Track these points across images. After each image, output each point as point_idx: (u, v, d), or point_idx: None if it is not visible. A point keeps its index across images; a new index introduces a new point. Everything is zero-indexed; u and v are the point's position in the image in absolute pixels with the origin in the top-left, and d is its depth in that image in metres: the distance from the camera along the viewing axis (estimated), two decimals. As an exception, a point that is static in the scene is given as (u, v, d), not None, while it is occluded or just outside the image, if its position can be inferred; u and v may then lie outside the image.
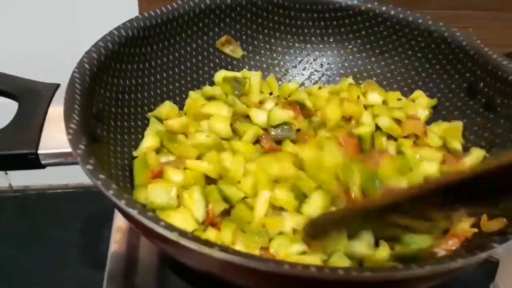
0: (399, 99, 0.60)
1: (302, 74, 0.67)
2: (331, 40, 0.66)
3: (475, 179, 0.29)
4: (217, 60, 0.64)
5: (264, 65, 0.66)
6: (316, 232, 0.41)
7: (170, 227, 0.30)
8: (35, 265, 0.84)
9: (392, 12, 0.62)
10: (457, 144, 0.54)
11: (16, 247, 0.86)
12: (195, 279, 0.49)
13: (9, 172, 0.92)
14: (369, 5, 0.62)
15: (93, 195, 0.92)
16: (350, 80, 0.64)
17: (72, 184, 0.95)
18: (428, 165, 0.51)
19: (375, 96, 0.60)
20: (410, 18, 0.61)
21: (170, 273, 0.51)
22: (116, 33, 0.52)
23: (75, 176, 0.92)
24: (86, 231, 0.89)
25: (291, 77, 0.66)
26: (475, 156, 0.52)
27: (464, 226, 0.44)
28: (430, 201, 0.32)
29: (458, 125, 0.56)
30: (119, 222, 0.57)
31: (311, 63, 0.67)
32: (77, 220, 0.90)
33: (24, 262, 0.84)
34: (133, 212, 0.32)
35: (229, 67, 0.65)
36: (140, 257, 0.53)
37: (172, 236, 0.30)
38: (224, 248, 0.29)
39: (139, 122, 0.54)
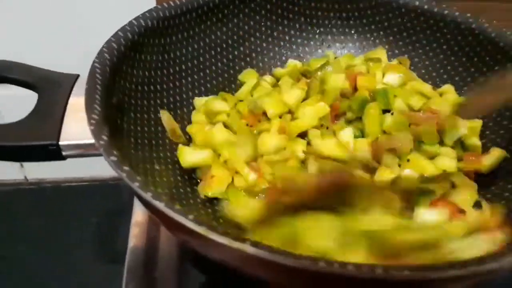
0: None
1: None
2: (352, 31, 0.65)
3: None
4: (236, 52, 0.63)
5: (283, 58, 0.65)
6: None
7: (198, 221, 0.29)
8: (50, 259, 0.84)
9: (417, 3, 0.60)
10: (475, 141, 0.52)
11: (31, 240, 0.86)
12: (215, 272, 0.48)
13: (24, 164, 0.92)
14: (392, -5, 0.61)
15: (108, 188, 0.93)
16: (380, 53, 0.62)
17: (88, 177, 0.95)
18: (447, 160, 0.49)
19: (393, 77, 0.57)
20: (435, 10, 0.59)
21: (190, 266, 0.50)
22: (136, 23, 0.51)
23: (91, 169, 0.92)
24: (101, 225, 0.88)
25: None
26: (495, 156, 0.50)
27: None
28: None
29: (478, 123, 0.53)
30: (137, 215, 0.56)
31: (332, 55, 0.65)
32: (92, 214, 0.89)
33: (40, 255, 0.84)
34: (160, 205, 0.31)
35: (248, 59, 0.63)
36: (159, 251, 0.53)
37: (201, 230, 0.29)
38: (255, 243, 0.28)
39: (158, 114, 0.53)
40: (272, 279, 0.35)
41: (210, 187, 0.47)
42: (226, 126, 0.53)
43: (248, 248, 0.28)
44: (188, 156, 0.49)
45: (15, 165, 0.92)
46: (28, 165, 0.93)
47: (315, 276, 0.28)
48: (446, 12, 0.58)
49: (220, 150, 0.50)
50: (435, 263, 0.28)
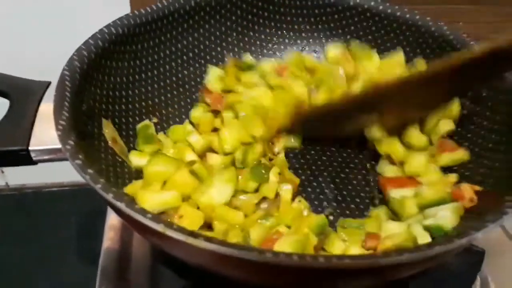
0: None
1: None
2: (321, 35, 0.67)
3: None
4: (207, 57, 0.64)
5: (255, 61, 0.67)
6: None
7: (156, 219, 0.31)
8: (31, 262, 0.85)
9: (380, 8, 0.62)
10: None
11: (13, 245, 0.87)
12: (188, 273, 0.49)
13: (5, 171, 0.93)
14: (357, 1, 0.63)
15: (88, 192, 0.93)
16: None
17: (68, 182, 0.96)
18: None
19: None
20: (398, 13, 0.61)
21: (163, 268, 0.51)
22: (106, 31, 0.52)
23: (71, 174, 0.93)
24: (81, 228, 0.89)
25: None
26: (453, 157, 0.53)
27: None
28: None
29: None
30: (112, 219, 0.58)
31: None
32: (72, 218, 0.91)
33: (21, 259, 0.85)
34: (121, 205, 0.32)
35: (220, 63, 0.65)
36: (133, 253, 0.54)
37: (159, 227, 0.31)
38: (209, 238, 0.30)
39: (130, 119, 0.54)
40: (237, 276, 0.37)
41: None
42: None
43: (201, 243, 0.30)
44: (153, 201, 0.42)
45: (-4, 172, 0.93)
46: (9, 171, 0.94)
47: (265, 267, 0.30)
48: (407, 16, 0.61)
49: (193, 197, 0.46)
50: (375, 253, 0.30)
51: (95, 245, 0.85)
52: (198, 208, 0.44)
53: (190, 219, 0.41)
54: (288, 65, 0.63)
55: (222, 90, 0.61)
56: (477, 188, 0.46)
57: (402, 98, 0.47)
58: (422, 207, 0.46)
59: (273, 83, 0.60)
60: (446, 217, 0.43)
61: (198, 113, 0.60)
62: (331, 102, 0.55)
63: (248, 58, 0.65)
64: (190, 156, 0.52)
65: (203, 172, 0.47)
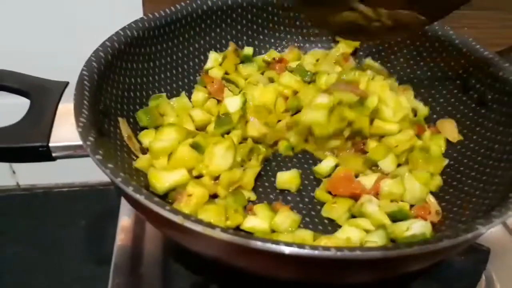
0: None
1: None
2: (330, 38, 0.68)
3: None
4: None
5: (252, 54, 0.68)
6: None
7: (175, 211, 0.33)
8: (42, 262, 0.86)
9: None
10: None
11: (23, 244, 0.88)
12: (199, 268, 0.51)
13: (16, 171, 0.94)
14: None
15: (98, 193, 0.95)
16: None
17: (78, 183, 0.97)
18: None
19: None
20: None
21: (175, 264, 0.53)
22: (122, 34, 0.54)
23: (81, 175, 0.94)
24: (91, 228, 0.91)
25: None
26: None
27: None
28: None
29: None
30: (124, 216, 0.59)
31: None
32: (82, 218, 0.92)
33: (31, 258, 0.87)
34: (140, 198, 0.34)
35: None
36: (145, 250, 0.55)
37: (177, 219, 0.32)
38: (225, 229, 0.31)
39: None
40: (250, 267, 0.38)
41: (188, 206, 0.45)
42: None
43: (219, 234, 0.31)
44: (164, 180, 0.46)
45: (7, 172, 0.94)
46: (20, 171, 0.95)
47: (281, 259, 0.32)
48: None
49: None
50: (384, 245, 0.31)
51: (104, 245, 0.86)
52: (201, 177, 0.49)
53: (198, 197, 0.45)
54: (284, 56, 0.66)
55: (222, 77, 0.63)
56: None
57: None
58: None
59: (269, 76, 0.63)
60: (422, 225, 0.45)
61: (198, 97, 0.61)
62: None
63: (247, 49, 0.66)
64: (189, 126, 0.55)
65: (203, 143, 0.50)
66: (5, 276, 0.84)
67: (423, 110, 0.60)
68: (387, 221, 0.45)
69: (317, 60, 0.66)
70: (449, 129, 0.56)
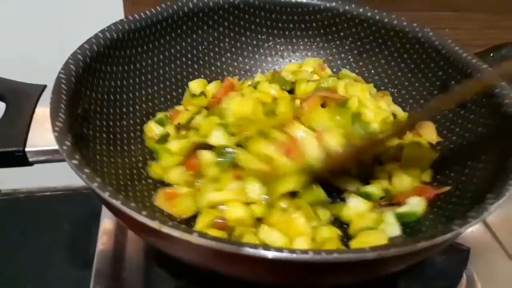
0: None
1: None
2: (311, 40, 0.68)
3: None
4: (201, 62, 0.66)
5: (247, 67, 0.68)
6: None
7: (152, 216, 0.32)
8: (25, 267, 0.85)
9: (369, 14, 0.64)
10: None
11: (6, 250, 0.87)
12: (181, 272, 0.50)
13: (-3, 175, 0.93)
14: (347, 7, 0.65)
15: (81, 197, 0.94)
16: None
17: (61, 187, 0.96)
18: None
19: None
20: (386, 20, 0.63)
21: (157, 268, 0.52)
22: (101, 36, 0.53)
23: (64, 178, 0.93)
24: (75, 233, 0.89)
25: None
26: None
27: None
28: None
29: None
30: (106, 220, 0.58)
31: (294, 63, 0.69)
32: (66, 222, 0.91)
33: (14, 264, 0.85)
34: (116, 203, 0.33)
35: (212, 68, 0.67)
36: (126, 254, 0.55)
37: (154, 224, 0.32)
38: (203, 234, 0.31)
39: (124, 122, 0.55)
40: (232, 273, 0.38)
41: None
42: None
43: (195, 239, 0.31)
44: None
45: (-12, 176, 0.92)
46: (1, 176, 0.93)
47: (260, 263, 0.31)
48: (395, 22, 0.63)
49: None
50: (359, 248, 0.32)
51: (88, 249, 0.85)
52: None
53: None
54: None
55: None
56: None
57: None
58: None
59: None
60: (417, 204, 0.47)
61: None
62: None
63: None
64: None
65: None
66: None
67: (402, 114, 0.61)
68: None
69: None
70: (429, 132, 0.57)
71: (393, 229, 0.46)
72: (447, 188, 0.50)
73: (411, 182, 0.50)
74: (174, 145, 0.53)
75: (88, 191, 0.95)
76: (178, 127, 0.57)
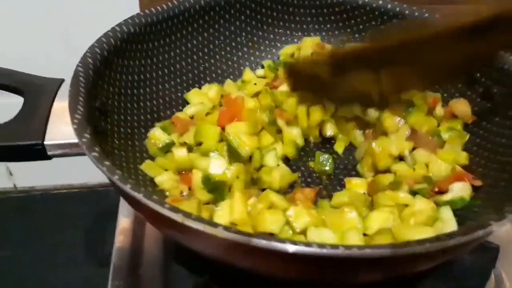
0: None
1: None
2: (329, 33, 0.67)
3: None
4: (217, 57, 0.65)
5: (263, 60, 0.67)
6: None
7: (175, 209, 0.31)
8: (40, 264, 0.85)
9: (389, 6, 0.62)
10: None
11: (21, 247, 0.87)
12: (200, 269, 0.49)
13: (13, 173, 0.93)
14: (366, 0, 0.63)
15: (96, 194, 0.94)
16: None
17: (76, 184, 0.96)
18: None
19: None
20: (407, 12, 0.62)
21: (175, 264, 0.51)
22: (118, 30, 0.53)
23: (79, 176, 0.93)
24: (90, 230, 0.89)
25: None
26: None
27: None
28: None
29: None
30: (123, 217, 0.58)
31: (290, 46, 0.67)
32: (81, 220, 0.91)
33: (29, 261, 0.85)
34: (138, 196, 0.32)
35: (229, 63, 0.66)
36: (145, 251, 0.54)
37: (177, 217, 0.31)
38: (228, 228, 0.30)
39: (142, 116, 0.55)
40: (254, 267, 0.36)
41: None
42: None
43: (220, 233, 0.29)
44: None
45: (4, 174, 0.93)
46: (17, 173, 0.94)
47: (285, 257, 0.30)
48: (416, 14, 0.61)
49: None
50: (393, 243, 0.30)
51: (103, 246, 0.85)
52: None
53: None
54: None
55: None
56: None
57: (409, 58, 0.43)
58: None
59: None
60: (463, 188, 0.46)
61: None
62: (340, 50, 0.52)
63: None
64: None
65: None
66: (2, 279, 0.83)
67: None
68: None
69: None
70: (463, 109, 0.55)
71: (451, 225, 0.44)
72: (479, 183, 0.48)
73: (447, 166, 0.49)
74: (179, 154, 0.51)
75: (104, 188, 0.95)
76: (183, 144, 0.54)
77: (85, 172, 0.87)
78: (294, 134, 0.55)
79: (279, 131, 0.55)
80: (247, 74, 0.64)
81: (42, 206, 0.94)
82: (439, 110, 0.57)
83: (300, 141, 0.56)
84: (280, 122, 0.55)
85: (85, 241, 0.88)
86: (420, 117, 0.55)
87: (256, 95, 0.59)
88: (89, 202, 0.93)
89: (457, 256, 0.46)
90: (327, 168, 0.54)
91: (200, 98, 0.59)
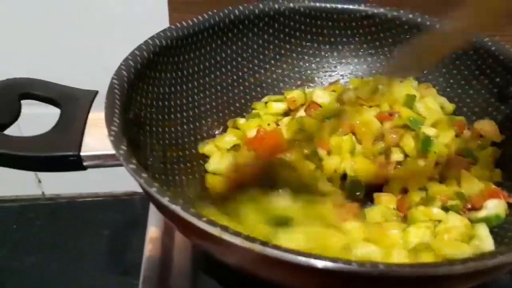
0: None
1: (329, 82, 0.68)
2: (358, 47, 0.67)
3: None
4: (245, 69, 0.65)
5: (291, 74, 0.68)
6: None
7: (212, 222, 0.31)
8: (61, 271, 0.86)
9: (419, 20, 0.62)
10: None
11: (47, 254, 0.88)
12: (229, 280, 0.49)
13: (42, 180, 0.95)
14: (395, 13, 0.63)
15: (122, 203, 0.95)
16: None
17: (102, 193, 0.97)
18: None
19: None
20: (438, 26, 0.61)
21: (204, 275, 0.52)
22: (151, 43, 0.54)
23: (105, 185, 0.94)
24: (115, 239, 0.90)
25: (318, 85, 0.68)
26: None
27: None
28: None
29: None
30: (152, 226, 0.58)
31: (338, 71, 0.67)
32: (106, 228, 0.92)
33: (55, 268, 0.86)
34: (176, 208, 0.33)
35: (257, 75, 0.66)
36: (174, 261, 0.54)
37: (215, 231, 0.31)
38: (264, 243, 0.30)
39: (172, 128, 0.55)
40: (291, 283, 0.36)
41: None
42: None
43: (257, 248, 0.30)
44: None
45: (33, 181, 0.95)
46: (45, 181, 0.96)
47: (324, 275, 0.30)
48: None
49: None
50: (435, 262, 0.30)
51: (127, 256, 0.86)
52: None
53: None
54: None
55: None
56: None
57: None
58: None
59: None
60: (498, 205, 0.45)
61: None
62: None
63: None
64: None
65: None
66: (27, 286, 0.84)
67: (449, 107, 0.59)
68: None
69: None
70: (490, 130, 0.54)
71: (487, 242, 0.43)
72: None
73: (480, 183, 0.49)
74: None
75: (128, 197, 0.96)
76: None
77: (110, 181, 0.88)
78: (334, 163, 0.54)
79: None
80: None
81: (68, 212, 0.96)
82: (467, 132, 0.56)
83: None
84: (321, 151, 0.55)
85: (109, 249, 0.89)
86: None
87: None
88: (114, 211, 0.94)
89: (494, 278, 0.45)
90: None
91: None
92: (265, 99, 0.65)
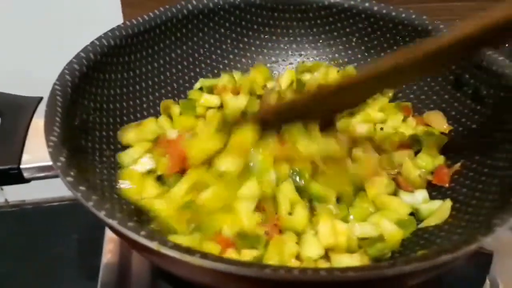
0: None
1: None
2: (316, 38, 0.66)
3: None
4: (202, 65, 0.64)
5: (250, 67, 0.66)
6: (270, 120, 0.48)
7: (150, 236, 0.30)
8: (32, 279, 0.84)
9: (375, 8, 0.61)
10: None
11: (13, 262, 0.86)
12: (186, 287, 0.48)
13: (4, 188, 0.92)
14: (352, 2, 0.62)
15: (88, 206, 0.93)
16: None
17: (68, 196, 0.95)
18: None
19: None
20: (393, 13, 0.61)
21: (163, 283, 0.50)
22: (98, 43, 0.52)
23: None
24: (82, 243, 0.88)
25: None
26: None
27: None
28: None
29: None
30: (111, 233, 0.57)
31: (297, 62, 0.66)
32: (74, 233, 0.89)
33: (22, 276, 0.84)
34: (113, 223, 0.31)
35: (215, 71, 0.64)
36: (132, 268, 0.53)
37: (153, 245, 0.30)
38: (204, 255, 0.29)
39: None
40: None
41: None
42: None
43: (197, 261, 0.28)
44: None
45: (-5, 188, 0.92)
46: (8, 188, 0.93)
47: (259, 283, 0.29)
48: (403, 15, 0.60)
49: None
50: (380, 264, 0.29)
51: (96, 260, 0.84)
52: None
53: None
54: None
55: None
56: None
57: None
58: None
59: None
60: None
61: None
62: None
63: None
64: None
65: None
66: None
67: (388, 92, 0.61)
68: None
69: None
70: (438, 121, 0.55)
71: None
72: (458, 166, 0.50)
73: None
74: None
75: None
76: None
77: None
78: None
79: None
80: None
81: (34, 220, 0.93)
82: (411, 120, 0.57)
83: None
84: None
85: (78, 254, 0.87)
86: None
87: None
88: (81, 215, 0.91)
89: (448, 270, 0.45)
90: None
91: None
92: (198, 84, 0.62)
